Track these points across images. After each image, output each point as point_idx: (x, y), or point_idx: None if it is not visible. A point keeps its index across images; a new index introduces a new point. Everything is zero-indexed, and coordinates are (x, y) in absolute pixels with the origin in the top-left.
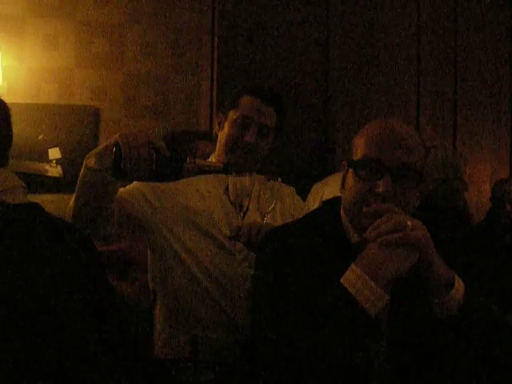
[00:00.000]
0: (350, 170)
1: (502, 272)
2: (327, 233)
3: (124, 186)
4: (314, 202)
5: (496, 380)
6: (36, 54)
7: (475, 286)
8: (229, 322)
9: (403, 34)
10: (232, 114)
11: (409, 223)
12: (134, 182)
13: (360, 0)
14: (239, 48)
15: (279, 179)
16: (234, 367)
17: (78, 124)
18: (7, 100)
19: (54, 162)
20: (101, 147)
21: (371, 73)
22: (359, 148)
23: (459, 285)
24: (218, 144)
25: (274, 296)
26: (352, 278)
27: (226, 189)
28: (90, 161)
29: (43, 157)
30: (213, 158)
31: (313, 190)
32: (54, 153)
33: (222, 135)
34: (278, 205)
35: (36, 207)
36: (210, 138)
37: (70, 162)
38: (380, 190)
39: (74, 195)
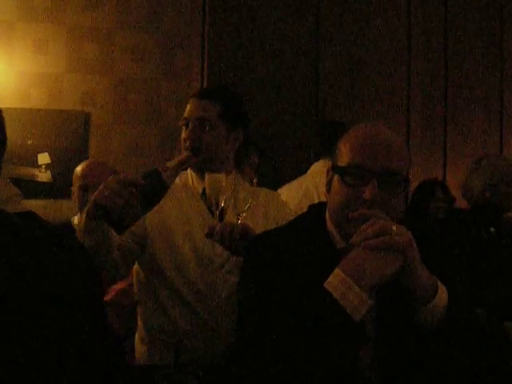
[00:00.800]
0: (336, 176)
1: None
2: (313, 238)
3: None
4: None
5: None
6: (26, 58)
7: (463, 286)
8: (207, 330)
9: (394, 39)
10: (181, 121)
11: (394, 228)
12: None
13: (350, 5)
14: (229, 52)
15: (255, 180)
16: (219, 373)
17: (67, 129)
18: None
19: (44, 167)
20: (86, 211)
21: (361, 76)
22: (344, 154)
23: (442, 292)
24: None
25: (259, 302)
26: (335, 281)
27: (203, 193)
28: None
29: (32, 162)
30: (189, 171)
31: (311, 169)
32: (44, 158)
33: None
34: (262, 210)
35: (33, 215)
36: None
37: (59, 167)
38: (366, 196)
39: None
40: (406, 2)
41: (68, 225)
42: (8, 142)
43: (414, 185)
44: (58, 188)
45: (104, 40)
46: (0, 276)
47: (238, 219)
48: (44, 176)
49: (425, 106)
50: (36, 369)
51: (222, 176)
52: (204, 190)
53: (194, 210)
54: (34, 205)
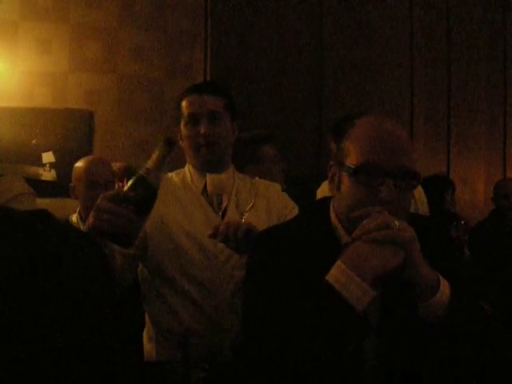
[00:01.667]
0: (345, 175)
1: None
2: (317, 234)
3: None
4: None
5: (487, 379)
6: (29, 57)
7: (469, 286)
8: (214, 326)
9: (397, 37)
10: (182, 121)
11: (396, 223)
12: None
13: (353, 1)
14: (232, 51)
15: (256, 178)
16: (226, 366)
17: (71, 128)
18: (0, 104)
19: (48, 166)
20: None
21: (364, 76)
22: (353, 152)
23: (445, 287)
24: (186, 154)
25: (264, 296)
26: (337, 273)
27: (204, 190)
28: None
29: (37, 161)
30: (189, 166)
31: (322, 187)
32: (48, 157)
33: (185, 144)
34: (263, 203)
35: (46, 214)
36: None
37: (63, 166)
38: (384, 196)
39: None
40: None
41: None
42: (12, 142)
43: None
44: (62, 187)
45: (108, 39)
46: (13, 275)
47: (242, 218)
48: (48, 175)
49: (428, 100)
50: (55, 367)
51: (223, 176)
52: (205, 186)
53: (195, 207)
54: (39, 203)
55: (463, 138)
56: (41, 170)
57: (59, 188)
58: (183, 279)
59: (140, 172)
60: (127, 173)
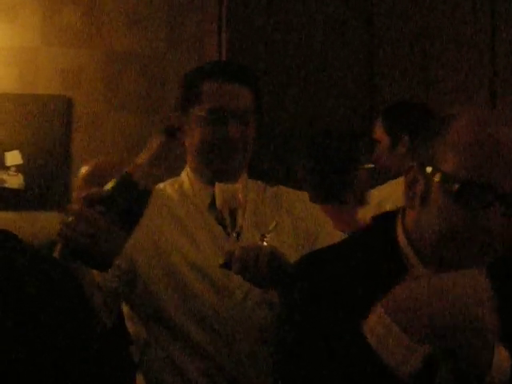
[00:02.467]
0: (438, 187)
1: None
2: (379, 262)
3: None
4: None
5: None
6: None
7: None
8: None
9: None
10: (196, 112)
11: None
12: None
13: None
14: (255, 15)
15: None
16: None
17: (44, 119)
18: None
19: (13, 169)
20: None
21: (428, 48)
22: (454, 161)
23: (503, 359)
24: (188, 152)
25: (308, 347)
26: (375, 322)
27: (211, 204)
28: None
29: None
30: (188, 170)
31: (375, 193)
32: (14, 157)
33: (192, 142)
34: (288, 218)
35: (8, 236)
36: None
37: (33, 170)
38: (490, 224)
39: None
40: None
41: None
42: None
43: None
44: (32, 196)
45: (90, 3)
46: None
47: (263, 241)
48: (14, 181)
49: None
50: None
51: (237, 186)
52: (212, 200)
53: (200, 228)
54: (1, 218)
55: None
56: (4, 175)
57: (28, 198)
58: (189, 324)
59: (125, 169)
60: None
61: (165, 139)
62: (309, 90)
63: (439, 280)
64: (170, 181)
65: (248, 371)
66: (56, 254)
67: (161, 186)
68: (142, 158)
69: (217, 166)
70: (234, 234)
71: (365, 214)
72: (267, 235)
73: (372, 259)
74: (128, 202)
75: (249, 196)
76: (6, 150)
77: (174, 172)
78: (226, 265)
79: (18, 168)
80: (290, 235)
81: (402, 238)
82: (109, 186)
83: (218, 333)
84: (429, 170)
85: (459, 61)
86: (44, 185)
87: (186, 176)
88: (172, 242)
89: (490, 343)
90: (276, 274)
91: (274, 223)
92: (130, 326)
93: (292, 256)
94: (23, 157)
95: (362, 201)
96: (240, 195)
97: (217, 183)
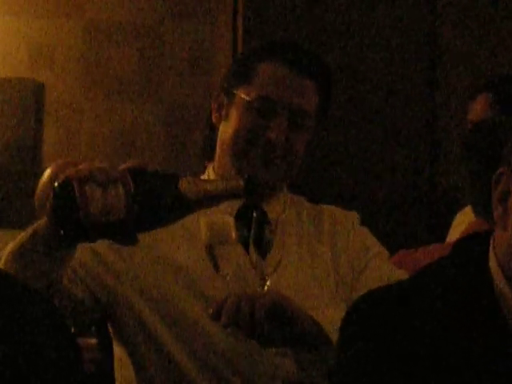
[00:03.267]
0: None
1: None
2: (465, 305)
3: None
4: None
5: None
6: None
7: None
8: None
9: None
10: (244, 94)
11: None
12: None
13: None
14: None
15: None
16: None
17: (9, 108)
18: None
19: None
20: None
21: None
22: None
23: None
24: (218, 144)
25: None
26: None
27: (238, 216)
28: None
29: None
30: (210, 172)
31: (455, 221)
32: None
33: (227, 129)
34: (328, 242)
35: None
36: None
37: None
38: None
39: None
40: None
41: None
42: None
43: None
44: None
45: None
46: None
47: (264, 286)
48: None
49: None
50: None
51: (229, 221)
52: (239, 211)
53: (219, 249)
54: None
55: None
56: None
57: None
58: (200, 374)
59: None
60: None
61: (240, 191)
62: (355, 77)
63: None
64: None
65: None
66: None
67: None
68: (208, 185)
69: (248, 170)
70: (268, 283)
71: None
72: (267, 278)
73: (455, 300)
74: (158, 200)
75: (288, 214)
76: None
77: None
78: (215, 316)
79: None
80: (328, 268)
81: (495, 270)
82: (151, 174)
83: (228, 380)
84: None
85: None
86: (9, 190)
87: (207, 175)
88: (177, 265)
89: None
90: (284, 330)
91: (269, 281)
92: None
93: (328, 295)
94: None
95: None
96: (233, 232)
97: (202, 218)
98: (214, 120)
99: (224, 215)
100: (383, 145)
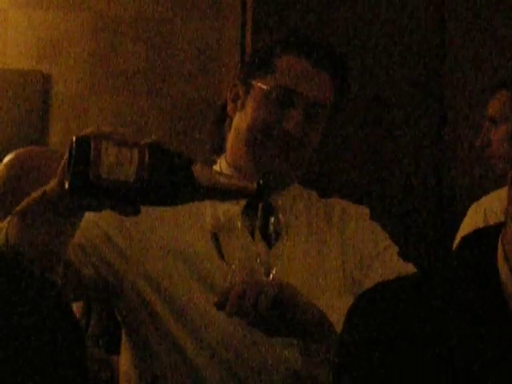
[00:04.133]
0: None
1: None
2: (473, 300)
3: None
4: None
5: None
6: None
7: None
8: None
9: None
10: (261, 85)
11: None
12: (89, 215)
13: None
14: None
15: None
16: None
17: (15, 100)
18: None
19: None
20: None
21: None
22: None
23: None
24: (232, 135)
25: None
26: None
27: (246, 208)
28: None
29: None
30: (222, 164)
31: (469, 213)
32: None
33: (243, 120)
34: (337, 238)
35: None
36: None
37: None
38: None
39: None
40: None
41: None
42: None
43: None
44: None
45: None
46: None
47: (269, 274)
48: None
49: None
50: None
51: (286, 195)
52: (248, 204)
53: (229, 238)
54: None
55: None
56: None
57: None
58: (205, 363)
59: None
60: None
61: (253, 193)
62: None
63: None
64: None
65: None
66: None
67: None
68: (223, 178)
69: (264, 160)
70: (274, 272)
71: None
72: (272, 269)
73: (464, 297)
74: (169, 177)
75: (298, 207)
76: None
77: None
78: (219, 305)
79: None
80: (336, 261)
81: (501, 264)
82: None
83: (238, 374)
84: None
85: None
86: None
87: (219, 168)
88: (189, 256)
89: None
90: (289, 319)
91: (274, 270)
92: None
93: (336, 287)
94: None
95: None
96: (238, 221)
97: (209, 206)
98: (228, 111)
99: (231, 204)
100: (390, 140)
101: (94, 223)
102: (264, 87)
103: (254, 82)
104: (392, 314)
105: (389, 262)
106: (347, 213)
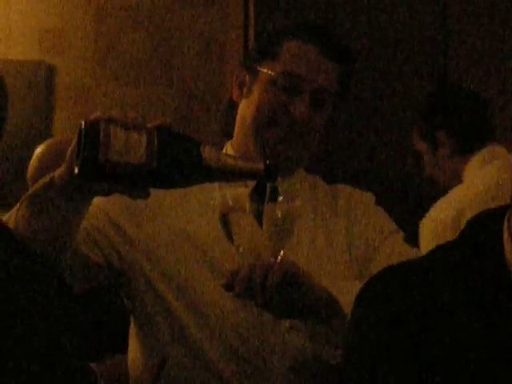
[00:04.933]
0: None
1: None
2: (480, 279)
3: None
4: None
5: None
6: None
7: None
8: None
9: None
10: (268, 71)
11: None
12: (97, 202)
13: None
14: None
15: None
16: None
17: (17, 94)
18: None
19: None
20: None
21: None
22: None
23: None
24: (238, 121)
25: None
26: None
27: (253, 193)
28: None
29: None
30: (229, 149)
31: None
32: None
33: (249, 106)
34: (342, 223)
35: None
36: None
37: (3, 160)
38: None
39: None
40: None
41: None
42: None
43: None
44: (1, 194)
45: None
46: None
47: (277, 257)
48: None
49: None
50: None
51: (295, 179)
52: (255, 188)
53: (236, 223)
54: None
55: None
56: None
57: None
58: (209, 345)
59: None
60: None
61: (261, 174)
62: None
63: None
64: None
65: None
66: (70, 171)
67: None
68: (231, 160)
69: (269, 146)
70: (281, 253)
71: (437, 230)
72: (280, 250)
73: (468, 279)
74: (178, 160)
75: (304, 192)
76: None
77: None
78: (227, 286)
79: None
80: (343, 245)
81: (508, 247)
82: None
83: (244, 359)
84: None
85: None
86: (17, 178)
87: (226, 152)
88: (197, 239)
89: None
90: (296, 300)
91: (282, 252)
92: (139, 348)
93: (342, 271)
94: None
95: None
96: (246, 203)
97: (217, 188)
98: (234, 97)
99: (239, 187)
100: (394, 128)
101: (102, 210)
102: (270, 73)
103: (260, 69)
104: (401, 296)
105: (395, 247)
106: (353, 198)
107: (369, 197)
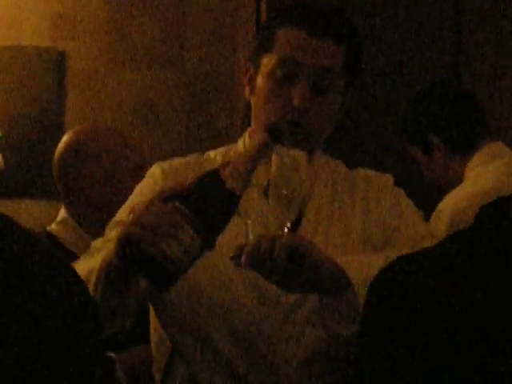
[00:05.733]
0: None
1: None
2: (498, 264)
3: None
4: None
5: None
6: None
7: None
8: None
9: None
10: (266, 62)
11: None
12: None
13: None
14: None
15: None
16: None
17: (28, 79)
18: None
19: None
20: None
21: None
22: None
23: None
24: (252, 120)
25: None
26: None
27: (267, 189)
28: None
29: None
30: (246, 138)
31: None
32: None
33: (257, 103)
34: (360, 204)
35: (7, 222)
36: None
37: (15, 146)
38: None
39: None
40: None
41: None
42: None
43: None
44: (13, 181)
45: None
46: None
47: (284, 229)
48: None
49: None
50: None
51: (300, 156)
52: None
53: (251, 215)
54: None
55: None
56: None
57: (9, 183)
58: (218, 336)
59: (216, 167)
60: None
61: (267, 140)
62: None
63: None
64: (222, 149)
65: None
66: (107, 267)
67: (211, 154)
68: (238, 158)
69: (283, 144)
70: (288, 225)
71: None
72: (288, 224)
73: (485, 264)
74: (210, 203)
75: (323, 175)
76: None
77: None
78: (235, 258)
79: None
80: (360, 225)
81: None
82: (194, 183)
83: (256, 350)
84: None
85: None
86: (29, 166)
87: (242, 144)
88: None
89: None
90: (304, 271)
91: (289, 224)
92: (154, 336)
93: (353, 248)
94: (3, 129)
95: None
96: (304, 170)
97: (275, 150)
98: (246, 95)
99: (298, 153)
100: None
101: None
102: (267, 64)
103: (260, 60)
104: (421, 282)
105: (414, 227)
106: (371, 180)
107: (387, 179)
